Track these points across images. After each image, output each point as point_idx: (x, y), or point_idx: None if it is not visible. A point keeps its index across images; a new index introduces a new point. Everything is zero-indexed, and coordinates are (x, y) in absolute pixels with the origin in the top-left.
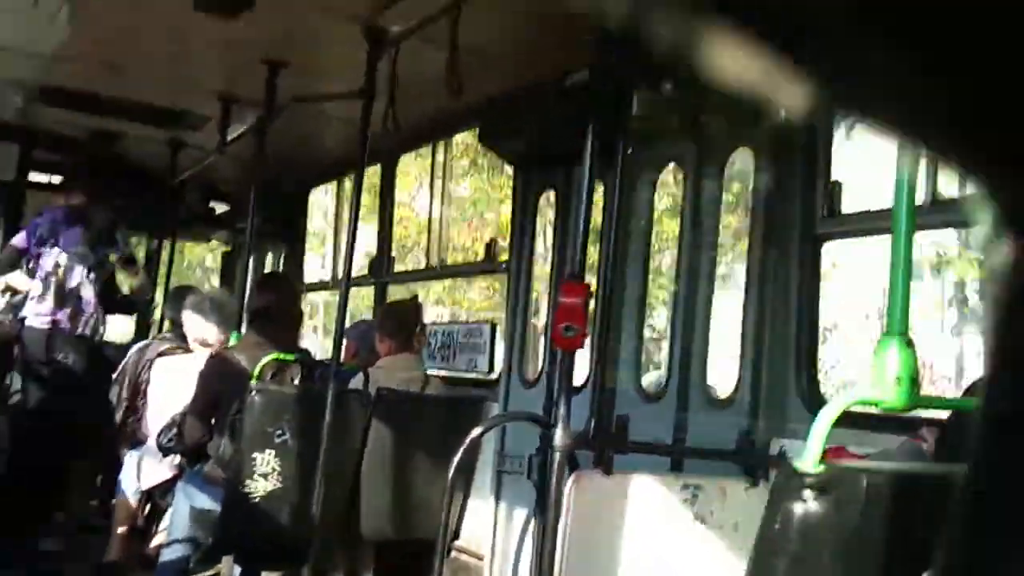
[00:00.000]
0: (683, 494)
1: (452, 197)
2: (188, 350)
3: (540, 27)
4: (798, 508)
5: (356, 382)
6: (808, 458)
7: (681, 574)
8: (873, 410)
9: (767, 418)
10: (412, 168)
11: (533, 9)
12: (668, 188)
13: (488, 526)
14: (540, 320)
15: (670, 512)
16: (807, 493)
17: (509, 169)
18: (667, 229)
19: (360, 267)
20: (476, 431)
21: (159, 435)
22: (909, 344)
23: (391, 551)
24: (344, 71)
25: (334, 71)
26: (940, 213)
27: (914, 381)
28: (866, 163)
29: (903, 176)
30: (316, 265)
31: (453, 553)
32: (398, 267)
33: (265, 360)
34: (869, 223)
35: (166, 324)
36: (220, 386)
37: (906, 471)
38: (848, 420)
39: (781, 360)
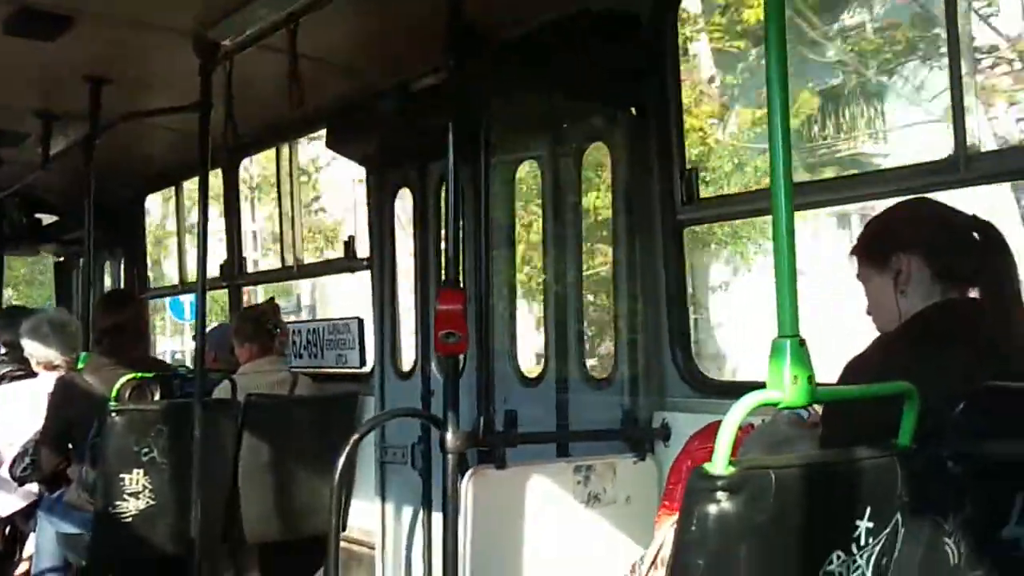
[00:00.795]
0: (576, 476)
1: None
2: (31, 373)
3: (381, 33)
4: (712, 509)
5: (220, 391)
6: (718, 460)
7: (582, 553)
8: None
9: (646, 394)
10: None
11: (372, 15)
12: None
13: (376, 516)
14: (408, 313)
15: (564, 495)
16: (720, 495)
17: None
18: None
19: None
20: (362, 429)
21: (12, 465)
22: (801, 344)
23: (276, 552)
24: (175, 83)
25: (164, 84)
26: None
27: (810, 378)
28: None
29: (779, 169)
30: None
31: (343, 544)
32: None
33: (123, 380)
34: (727, 208)
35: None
36: (72, 410)
37: (807, 461)
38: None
39: (655, 338)
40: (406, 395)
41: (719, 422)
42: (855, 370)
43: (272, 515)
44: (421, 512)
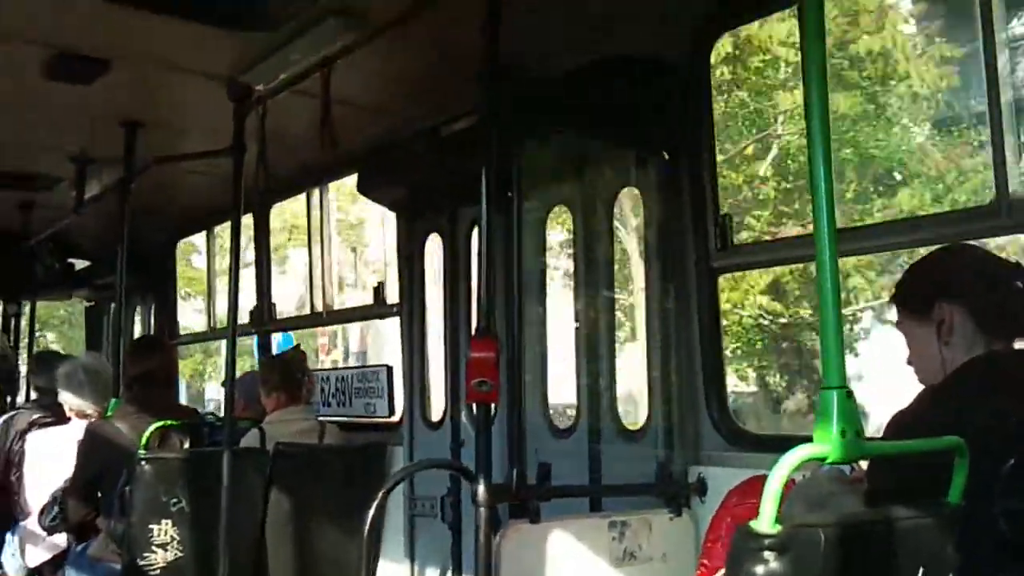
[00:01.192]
0: (611, 532)
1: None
2: (60, 419)
3: (413, 76)
4: (760, 569)
5: (248, 439)
6: (764, 519)
7: None
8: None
9: (681, 447)
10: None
11: (404, 59)
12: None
13: (405, 570)
14: (437, 361)
15: (599, 552)
16: (767, 554)
17: None
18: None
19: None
20: (391, 480)
21: (40, 515)
22: (849, 396)
23: None
24: (208, 127)
25: (197, 128)
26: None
27: (858, 433)
28: None
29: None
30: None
31: None
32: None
33: (152, 428)
34: (764, 255)
35: (32, 392)
36: (101, 459)
37: (856, 520)
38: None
39: (690, 389)
40: (435, 445)
41: (757, 477)
42: (901, 424)
43: (299, 567)
44: (450, 566)
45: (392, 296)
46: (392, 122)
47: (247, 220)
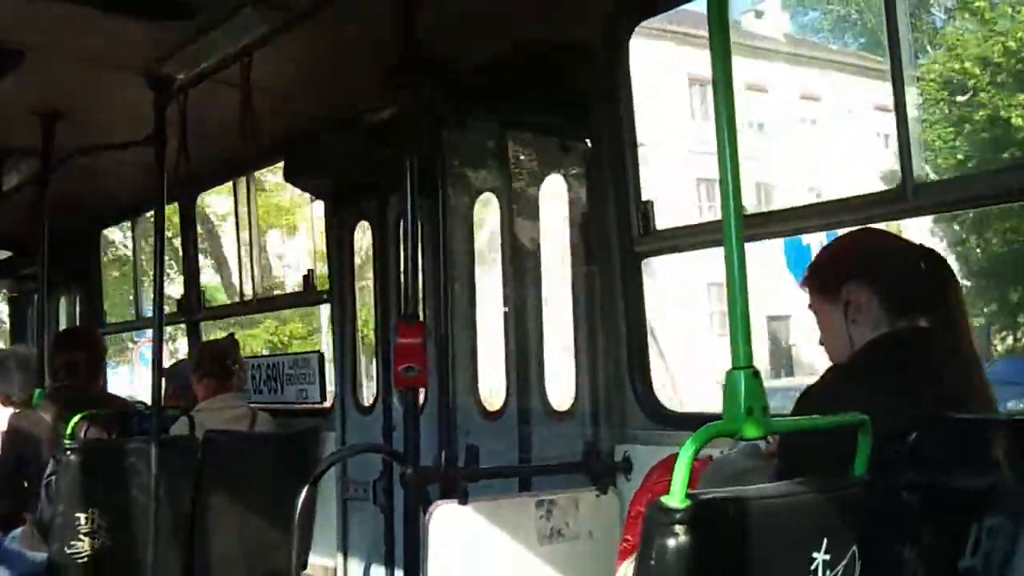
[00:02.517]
0: (538, 511)
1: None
2: None
3: (336, 65)
4: (671, 542)
5: (178, 427)
6: (675, 493)
7: None
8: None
9: (608, 427)
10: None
11: (327, 49)
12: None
13: (337, 553)
14: (369, 347)
15: (527, 530)
16: (677, 528)
17: None
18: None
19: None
20: (322, 465)
21: None
22: (755, 375)
23: None
24: (130, 118)
25: (119, 119)
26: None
27: (764, 410)
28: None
29: (729, 201)
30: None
31: None
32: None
33: (78, 417)
34: (684, 239)
35: None
36: (25, 448)
37: (763, 492)
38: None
39: (615, 370)
40: (368, 430)
41: (678, 455)
42: (809, 401)
43: (231, 554)
44: (383, 548)
45: (323, 283)
46: (316, 110)
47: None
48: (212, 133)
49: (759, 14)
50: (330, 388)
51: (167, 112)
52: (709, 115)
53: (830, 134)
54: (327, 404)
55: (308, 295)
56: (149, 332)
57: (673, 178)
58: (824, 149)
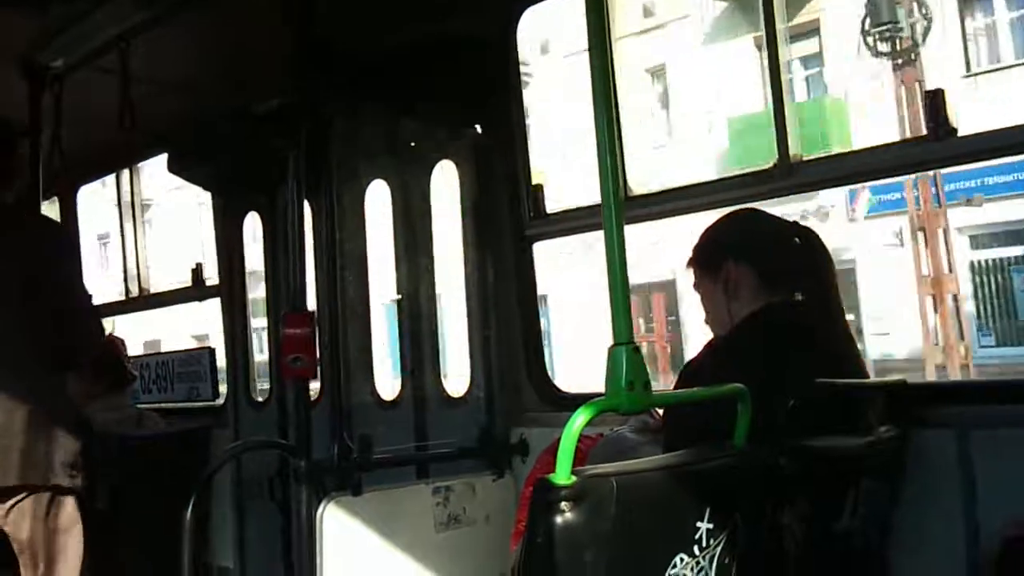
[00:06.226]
0: (435, 498)
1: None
2: None
3: (222, 53)
4: (557, 519)
5: None
6: (560, 471)
7: (445, 574)
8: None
9: (503, 411)
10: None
11: (212, 36)
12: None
13: (233, 553)
14: (262, 340)
15: (423, 518)
16: (563, 504)
17: None
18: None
19: None
20: (213, 464)
21: None
22: (636, 351)
23: None
24: (4, 108)
25: None
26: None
27: (646, 384)
28: None
29: (607, 183)
30: None
31: None
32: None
33: None
34: (574, 222)
35: None
36: None
37: (646, 466)
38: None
39: (509, 354)
40: (262, 426)
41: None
42: (690, 375)
43: (120, 563)
44: (280, 545)
45: (212, 277)
46: (202, 99)
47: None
48: (91, 123)
49: None
50: (223, 386)
51: (43, 102)
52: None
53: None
54: (220, 402)
55: (198, 289)
56: None
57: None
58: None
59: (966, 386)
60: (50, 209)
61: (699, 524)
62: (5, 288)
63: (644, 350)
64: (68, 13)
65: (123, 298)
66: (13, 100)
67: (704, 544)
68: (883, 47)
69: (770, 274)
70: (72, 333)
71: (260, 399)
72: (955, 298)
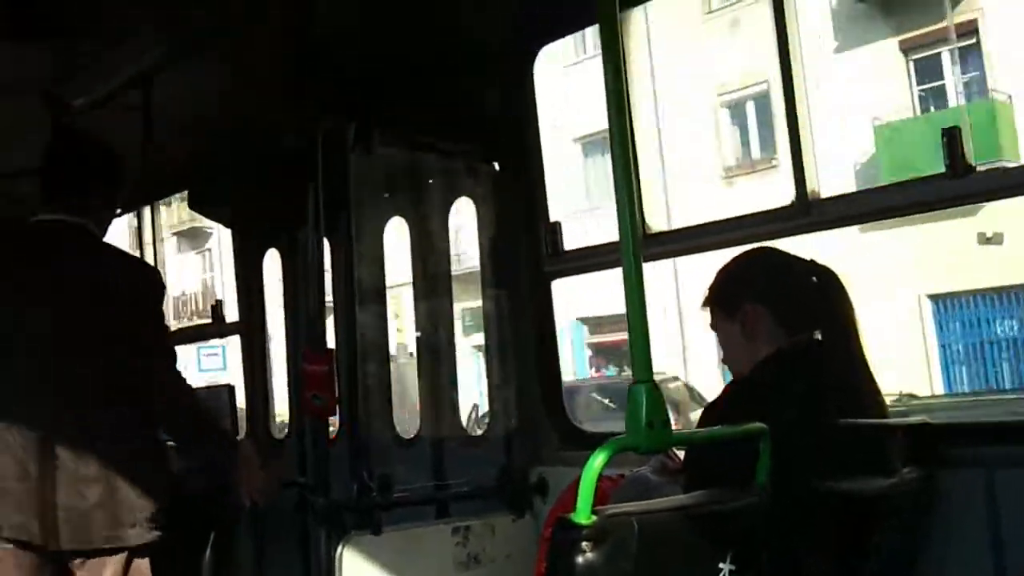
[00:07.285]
0: (454, 538)
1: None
2: None
3: (240, 93)
4: (578, 559)
5: None
6: (581, 510)
7: None
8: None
9: (522, 449)
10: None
11: (233, 74)
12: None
13: None
14: (281, 377)
15: (443, 558)
16: (584, 544)
17: None
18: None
19: None
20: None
21: None
22: (655, 389)
23: None
24: (26, 144)
25: (15, 144)
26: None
27: (665, 423)
28: None
29: (625, 221)
30: None
31: None
32: None
33: None
34: (592, 259)
35: None
36: None
37: (667, 506)
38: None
39: (528, 392)
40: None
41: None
42: (710, 415)
43: None
44: None
45: (232, 314)
46: (222, 137)
47: None
48: None
49: None
50: (244, 422)
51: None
52: None
53: None
54: (239, 438)
55: (219, 326)
56: None
57: None
58: None
59: (989, 426)
60: None
61: (722, 566)
62: (96, 325)
63: None
64: (90, 51)
65: None
66: (36, 137)
67: None
68: None
69: (788, 314)
70: (176, 387)
71: (279, 436)
72: None
